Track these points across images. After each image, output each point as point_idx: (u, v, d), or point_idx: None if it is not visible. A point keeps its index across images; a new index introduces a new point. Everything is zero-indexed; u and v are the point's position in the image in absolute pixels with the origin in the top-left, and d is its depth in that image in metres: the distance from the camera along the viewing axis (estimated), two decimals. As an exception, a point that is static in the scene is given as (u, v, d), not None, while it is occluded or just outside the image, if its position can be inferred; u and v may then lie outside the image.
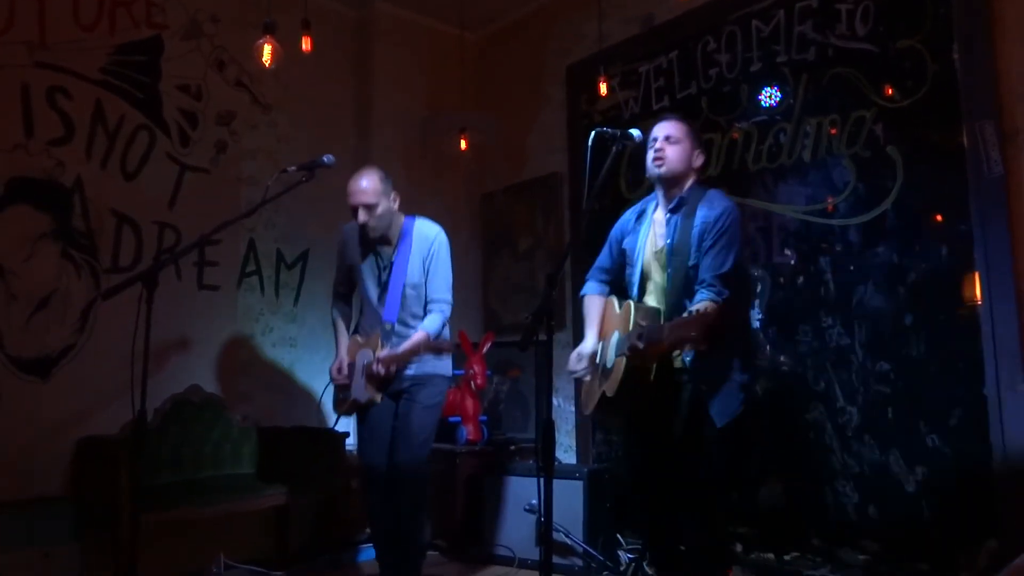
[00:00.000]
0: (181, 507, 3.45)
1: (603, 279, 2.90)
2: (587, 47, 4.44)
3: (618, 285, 2.86)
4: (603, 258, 2.91)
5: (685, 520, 2.61)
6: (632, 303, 2.56)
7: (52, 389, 3.59)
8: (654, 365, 2.45)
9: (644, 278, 2.70)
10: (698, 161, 2.69)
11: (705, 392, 2.49)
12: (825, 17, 3.37)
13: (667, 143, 2.63)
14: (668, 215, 2.64)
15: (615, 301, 2.75)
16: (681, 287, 2.53)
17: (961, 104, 2.94)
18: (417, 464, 3.15)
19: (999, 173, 2.83)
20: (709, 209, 2.57)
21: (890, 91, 3.15)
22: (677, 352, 2.49)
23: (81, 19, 3.85)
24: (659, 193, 2.72)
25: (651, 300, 2.66)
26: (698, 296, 2.46)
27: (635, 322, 2.45)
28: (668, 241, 2.60)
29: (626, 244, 2.79)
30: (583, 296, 2.93)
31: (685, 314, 2.24)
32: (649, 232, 2.71)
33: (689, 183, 2.66)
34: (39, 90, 3.68)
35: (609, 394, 2.51)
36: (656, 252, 2.66)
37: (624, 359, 2.44)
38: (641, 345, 2.33)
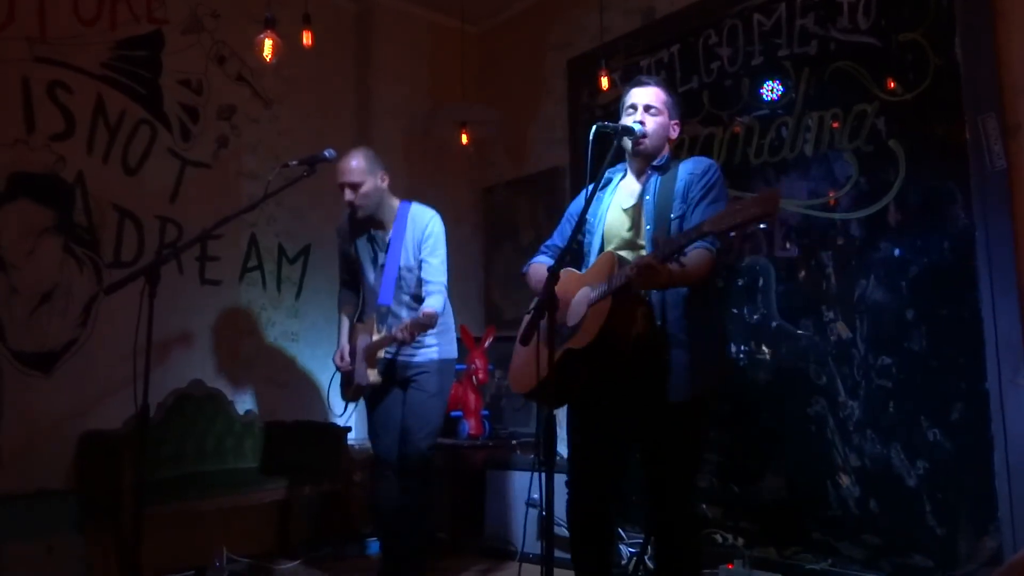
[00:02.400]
0: (183, 501, 3.46)
1: (553, 255, 2.69)
2: (588, 40, 4.43)
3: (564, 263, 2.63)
4: (555, 237, 2.75)
5: (657, 500, 2.41)
6: (614, 252, 2.37)
7: (55, 383, 3.60)
8: (640, 316, 2.26)
9: (605, 242, 2.52)
10: (675, 133, 2.56)
11: (690, 358, 2.32)
12: (827, 11, 3.36)
13: (647, 114, 2.49)
14: (649, 172, 2.49)
15: (572, 270, 2.55)
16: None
17: (964, 98, 2.93)
18: (425, 454, 3.16)
19: (1001, 167, 2.82)
20: (694, 164, 2.47)
21: (892, 85, 3.14)
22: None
23: (82, 13, 3.85)
24: (631, 164, 2.56)
25: None
26: (692, 246, 2.29)
27: (619, 266, 2.25)
28: (647, 198, 2.46)
29: (587, 213, 2.57)
30: (531, 265, 2.72)
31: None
32: (613, 196, 2.57)
33: (665, 153, 2.54)
34: (40, 85, 3.68)
35: (578, 346, 2.27)
36: (626, 209, 2.50)
37: (606, 305, 2.22)
38: (656, 259, 2.10)
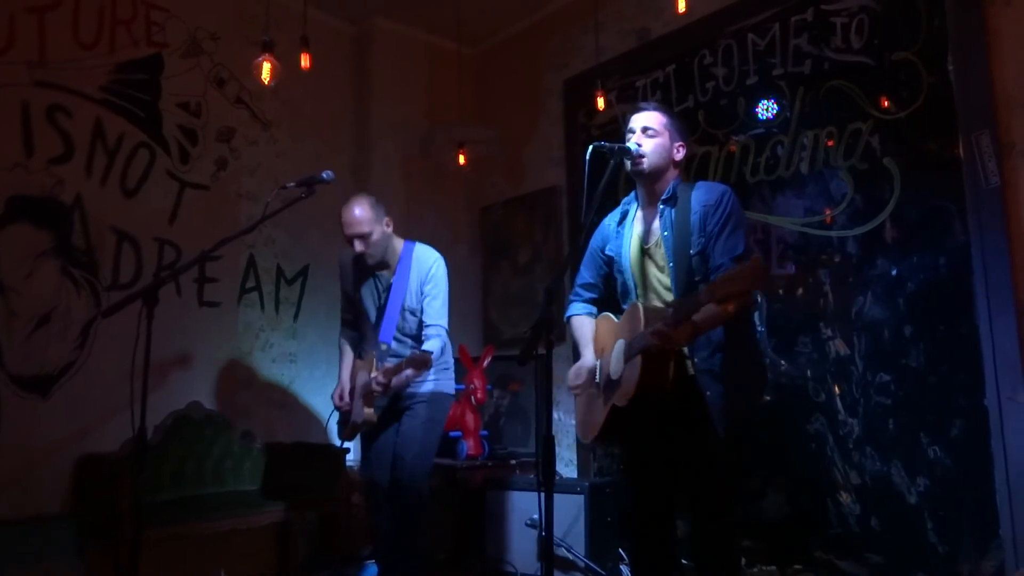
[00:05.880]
0: (182, 524, 3.44)
1: (587, 297, 2.77)
2: (584, 61, 4.46)
3: (605, 300, 2.75)
4: (584, 274, 2.79)
5: (700, 533, 2.46)
6: (639, 303, 2.43)
7: (52, 407, 3.59)
8: (672, 365, 2.32)
9: (635, 281, 2.58)
10: (679, 154, 2.57)
11: (724, 393, 2.37)
12: (820, 30, 3.39)
13: (644, 135, 2.52)
14: (661, 207, 2.52)
15: (611, 316, 2.64)
16: (685, 279, 2.41)
17: (957, 116, 2.95)
18: (416, 479, 3.15)
19: (996, 184, 2.83)
20: (706, 193, 2.49)
21: (886, 103, 3.16)
22: (687, 353, 2.39)
23: (81, 38, 3.87)
24: (639, 190, 2.62)
25: (651, 301, 2.53)
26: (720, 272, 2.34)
27: (646, 320, 2.32)
28: (665, 233, 2.48)
29: (610, 250, 2.67)
30: (569, 319, 2.79)
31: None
32: (632, 232, 2.60)
33: (671, 177, 2.55)
34: (39, 109, 3.70)
35: (620, 404, 2.38)
36: (648, 249, 2.55)
37: (638, 363, 2.30)
38: (668, 327, 2.17)
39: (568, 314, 2.80)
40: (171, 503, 3.64)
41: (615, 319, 2.61)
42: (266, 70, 3.44)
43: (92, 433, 3.63)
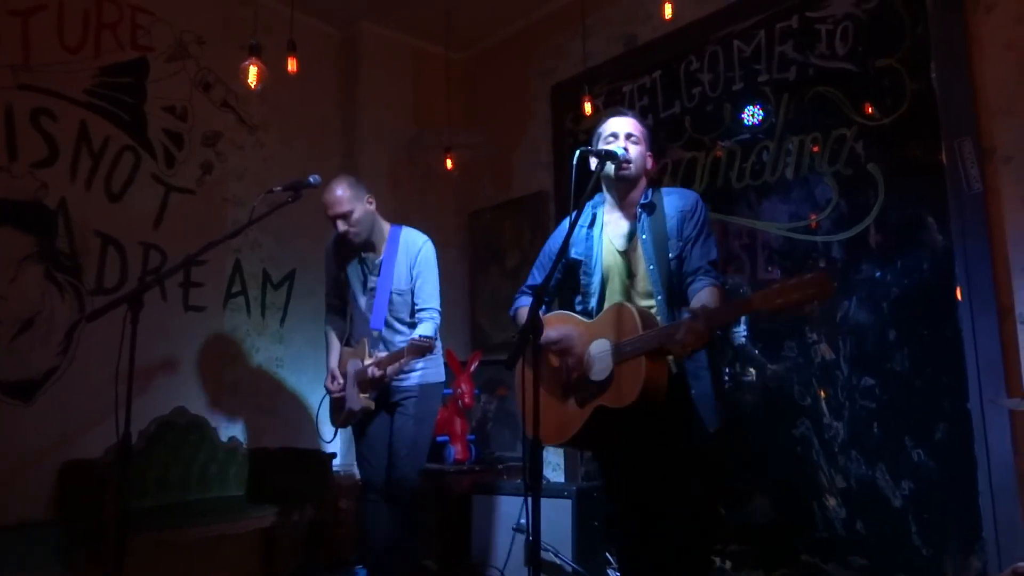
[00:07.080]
0: (167, 530, 3.41)
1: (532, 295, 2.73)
2: (571, 67, 4.48)
3: (550, 303, 2.73)
4: (535, 275, 2.75)
5: (677, 534, 2.45)
6: (628, 304, 2.41)
7: (36, 412, 3.55)
8: (671, 367, 2.32)
9: (605, 282, 2.58)
10: (650, 164, 2.61)
11: (710, 394, 2.38)
12: (805, 37, 3.42)
13: (629, 142, 2.54)
14: (639, 211, 2.53)
15: (571, 315, 2.60)
16: (667, 280, 2.44)
17: (940, 122, 2.98)
18: (411, 478, 3.16)
19: (978, 190, 2.86)
20: (681, 199, 2.53)
21: (870, 109, 3.19)
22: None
23: (66, 41, 3.85)
24: (611, 195, 2.61)
25: (628, 303, 2.51)
26: (699, 283, 2.39)
27: (642, 323, 2.31)
28: (644, 237, 2.50)
29: (577, 254, 2.63)
30: (516, 310, 2.73)
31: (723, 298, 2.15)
32: (603, 235, 2.60)
33: (644, 185, 2.58)
34: (23, 112, 3.67)
35: (618, 405, 2.32)
36: (623, 252, 2.55)
37: (642, 364, 2.27)
38: (704, 328, 2.14)
39: (516, 307, 2.76)
40: (156, 509, 3.61)
41: (581, 318, 2.57)
42: (253, 74, 3.44)
43: (76, 439, 3.60)
